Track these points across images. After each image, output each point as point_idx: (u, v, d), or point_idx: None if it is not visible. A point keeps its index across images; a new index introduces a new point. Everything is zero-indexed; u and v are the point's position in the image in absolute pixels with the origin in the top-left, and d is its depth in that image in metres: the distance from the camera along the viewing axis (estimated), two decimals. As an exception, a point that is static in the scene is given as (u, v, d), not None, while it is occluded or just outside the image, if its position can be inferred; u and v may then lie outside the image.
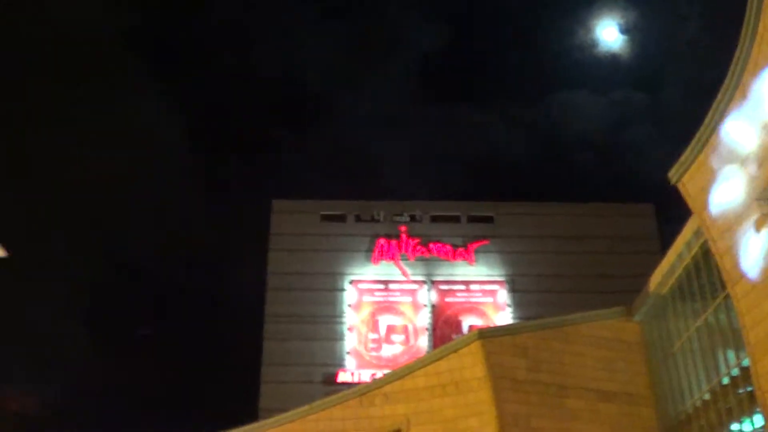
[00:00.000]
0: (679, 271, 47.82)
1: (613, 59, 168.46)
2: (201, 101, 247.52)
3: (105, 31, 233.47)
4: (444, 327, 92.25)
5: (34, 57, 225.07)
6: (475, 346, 48.34)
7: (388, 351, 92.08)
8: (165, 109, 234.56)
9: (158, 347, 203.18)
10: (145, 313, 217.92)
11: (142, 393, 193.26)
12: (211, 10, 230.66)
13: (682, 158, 43.31)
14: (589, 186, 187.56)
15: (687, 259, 46.62)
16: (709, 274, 44.30)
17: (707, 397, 45.05)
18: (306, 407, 53.60)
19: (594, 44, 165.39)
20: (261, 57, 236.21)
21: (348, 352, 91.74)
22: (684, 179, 43.41)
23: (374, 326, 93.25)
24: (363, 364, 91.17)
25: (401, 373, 50.79)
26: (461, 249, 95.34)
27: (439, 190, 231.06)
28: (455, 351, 49.14)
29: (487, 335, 49.28)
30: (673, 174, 44.12)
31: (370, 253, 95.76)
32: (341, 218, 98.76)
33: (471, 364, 48.26)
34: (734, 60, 38.98)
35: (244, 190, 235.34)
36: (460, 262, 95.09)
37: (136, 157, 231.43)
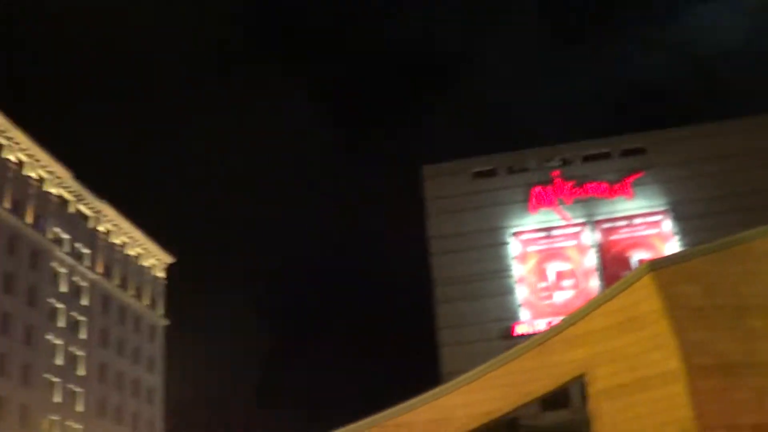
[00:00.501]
0: None
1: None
2: (339, 78, 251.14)
3: (231, 26, 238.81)
4: (613, 265, 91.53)
5: (167, 58, 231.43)
6: (648, 279, 47.84)
7: (560, 297, 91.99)
8: (305, 95, 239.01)
9: (339, 328, 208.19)
10: (320, 297, 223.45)
11: (327, 374, 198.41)
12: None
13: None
14: (734, 100, 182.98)
15: None
16: None
17: None
18: (484, 365, 54.25)
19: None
20: (389, 24, 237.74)
21: (521, 304, 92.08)
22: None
23: (542, 275, 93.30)
24: (537, 313, 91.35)
25: (576, 316, 50.85)
26: (617, 184, 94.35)
27: (586, 129, 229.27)
28: (628, 286, 48.79)
29: (658, 266, 48.68)
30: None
31: (527, 203, 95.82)
32: (493, 173, 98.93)
33: (645, 297, 47.86)
34: None
35: (393, 160, 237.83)
36: (618, 198, 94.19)
37: (284, 145, 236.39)
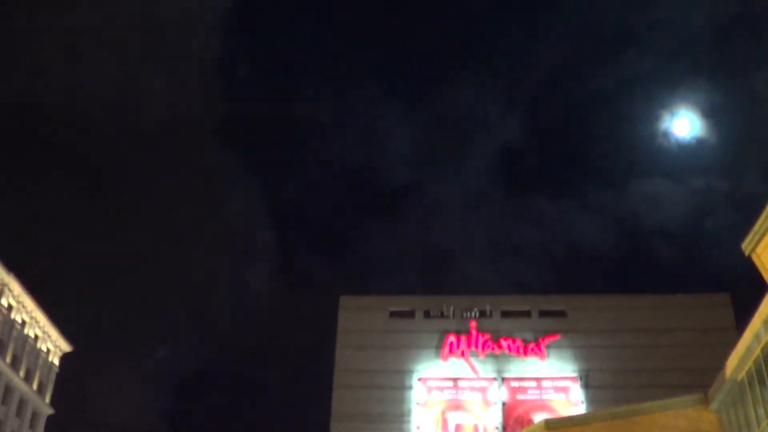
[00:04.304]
0: (756, 352, 46.17)
1: (693, 147, 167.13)
2: (285, 192, 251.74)
3: (197, 122, 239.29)
4: (515, 426, 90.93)
5: (130, 144, 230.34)
6: (543, 439, 46.69)
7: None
8: (251, 199, 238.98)
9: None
10: (223, 408, 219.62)
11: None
12: (296, 104, 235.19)
13: (756, 227, 42.14)
14: (666, 277, 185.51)
15: (765, 339, 44.81)
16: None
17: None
18: None
19: (673, 132, 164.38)
20: (345, 149, 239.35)
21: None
22: (758, 250, 42.15)
23: (444, 425, 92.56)
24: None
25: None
26: (532, 344, 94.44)
27: (511, 283, 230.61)
28: (522, 445, 47.53)
29: (555, 426, 47.83)
30: (746, 245, 42.95)
31: (440, 350, 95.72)
32: (410, 314, 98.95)
33: (539, 458, 46.68)
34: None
35: (320, 283, 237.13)
36: (531, 357, 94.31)
37: (222, 245, 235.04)
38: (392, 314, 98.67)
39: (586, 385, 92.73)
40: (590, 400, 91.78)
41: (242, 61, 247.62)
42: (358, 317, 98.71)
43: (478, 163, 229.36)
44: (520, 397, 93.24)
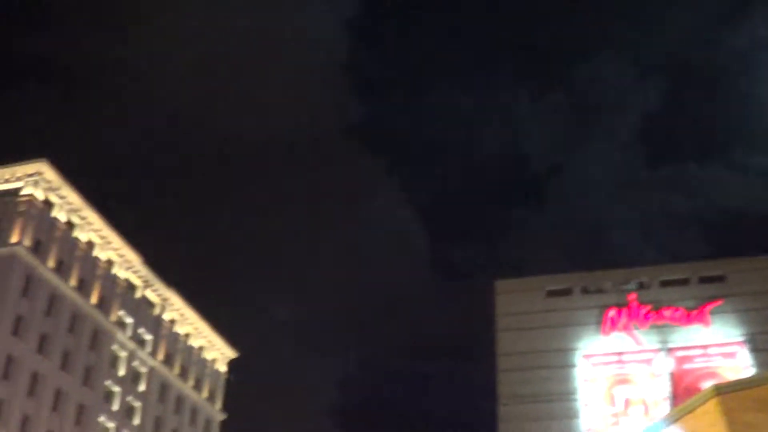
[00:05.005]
0: None
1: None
2: (428, 186, 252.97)
3: (333, 123, 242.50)
4: (684, 396, 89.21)
5: (264, 149, 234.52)
6: (712, 404, 46.18)
7: (627, 425, 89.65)
8: (395, 195, 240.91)
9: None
10: (390, 402, 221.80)
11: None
12: (430, 97, 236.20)
13: None
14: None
15: None
16: None
17: None
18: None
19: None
20: (483, 138, 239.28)
21: (587, 430, 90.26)
22: None
23: (611, 400, 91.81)
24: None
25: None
26: (695, 312, 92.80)
27: (666, 252, 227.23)
28: (691, 411, 47.17)
29: (725, 390, 46.94)
30: None
31: (600, 326, 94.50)
32: (567, 292, 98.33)
33: (710, 424, 46.17)
34: None
35: (472, 272, 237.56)
36: (694, 325, 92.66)
37: (370, 245, 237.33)
38: (549, 294, 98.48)
39: (755, 349, 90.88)
40: (760, 364, 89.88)
41: (369, 62, 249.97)
42: (515, 300, 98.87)
43: (621, 136, 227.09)
44: (686, 366, 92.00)
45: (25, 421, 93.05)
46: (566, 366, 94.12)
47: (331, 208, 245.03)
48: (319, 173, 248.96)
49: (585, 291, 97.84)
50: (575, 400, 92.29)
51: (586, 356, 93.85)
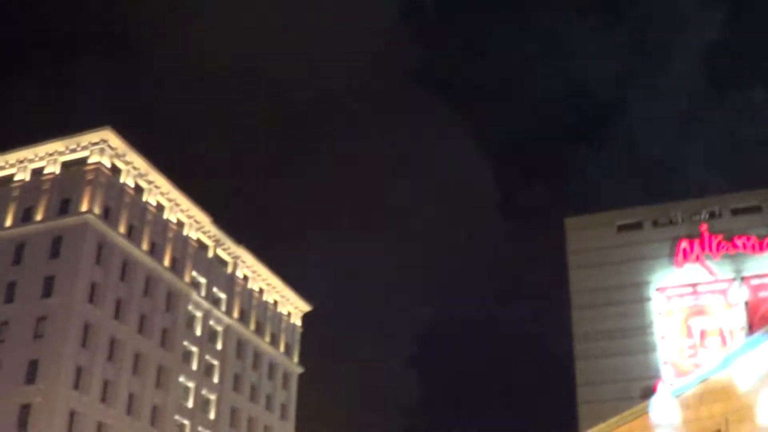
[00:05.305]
0: None
1: None
2: (494, 129, 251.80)
3: (395, 72, 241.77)
4: (761, 324, 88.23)
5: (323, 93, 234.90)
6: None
7: (705, 356, 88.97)
8: (461, 142, 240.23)
9: (482, 379, 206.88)
10: (466, 349, 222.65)
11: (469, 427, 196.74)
12: (492, 38, 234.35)
13: None
14: None
15: None
16: None
17: None
18: (617, 417, 52.50)
19: None
20: (547, 77, 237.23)
21: (664, 363, 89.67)
22: None
23: (688, 332, 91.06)
24: (680, 372, 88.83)
25: (716, 370, 48.88)
26: (767, 239, 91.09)
27: (736, 181, 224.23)
28: (772, 337, 46.55)
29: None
30: None
31: (673, 258, 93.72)
32: (638, 226, 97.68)
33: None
34: None
35: (541, 212, 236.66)
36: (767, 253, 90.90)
37: (439, 190, 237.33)
38: (620, 229, 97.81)
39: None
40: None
41: (428, 6, 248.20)
42: (586, 237, 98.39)
43: (684, 67, 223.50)
44: (762, 294, 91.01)
45: (106, 386, 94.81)
46: (640, 300, 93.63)
47: (398, 157, 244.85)
48: (384, 124, 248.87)
49: (656, 224, 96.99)
50: (651, 334, 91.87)
51: (660, 289, 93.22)
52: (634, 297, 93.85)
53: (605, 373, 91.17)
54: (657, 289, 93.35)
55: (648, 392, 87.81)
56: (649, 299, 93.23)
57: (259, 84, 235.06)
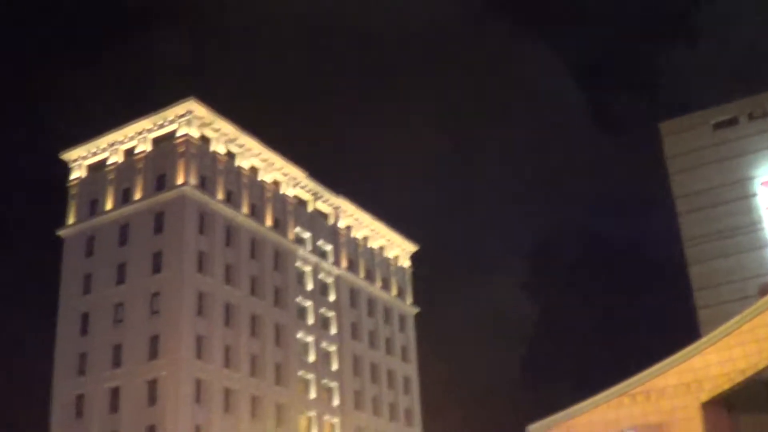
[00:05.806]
0: None
1: None
2: (577, 42, 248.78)
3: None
4: None
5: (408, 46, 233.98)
6: None
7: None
8: (546, 59, 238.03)
9: (596, 297, 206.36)
10: (579, 264, 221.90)
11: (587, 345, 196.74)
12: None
13: None
14: None
15: None
16: None
17: None
18: (737, 318, 52.04)
19: None
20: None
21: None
22: None
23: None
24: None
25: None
26: None
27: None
28: None
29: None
30: None
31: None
32: (734, 122, 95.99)
33: None
34: None
35: (634, 121, 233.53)
36: None
37: (536, 109, 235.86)
38: (716, 126, 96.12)
39: None
40: None
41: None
42: (682, 140, 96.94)
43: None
44: None
45: (227, 350, 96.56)
46: (746, 197, 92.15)
47: (486, 82, 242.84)
48: (468, 52, 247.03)
49: (752, 117, 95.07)
50: (761, 229, 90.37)
51: (765, 183, 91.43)
52: (739, 194, 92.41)
53: (720, 275, 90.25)
54: (762, 183, 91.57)
55: (765, 289, 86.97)
56: (755, 194, 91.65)
57: (339, 33, 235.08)
